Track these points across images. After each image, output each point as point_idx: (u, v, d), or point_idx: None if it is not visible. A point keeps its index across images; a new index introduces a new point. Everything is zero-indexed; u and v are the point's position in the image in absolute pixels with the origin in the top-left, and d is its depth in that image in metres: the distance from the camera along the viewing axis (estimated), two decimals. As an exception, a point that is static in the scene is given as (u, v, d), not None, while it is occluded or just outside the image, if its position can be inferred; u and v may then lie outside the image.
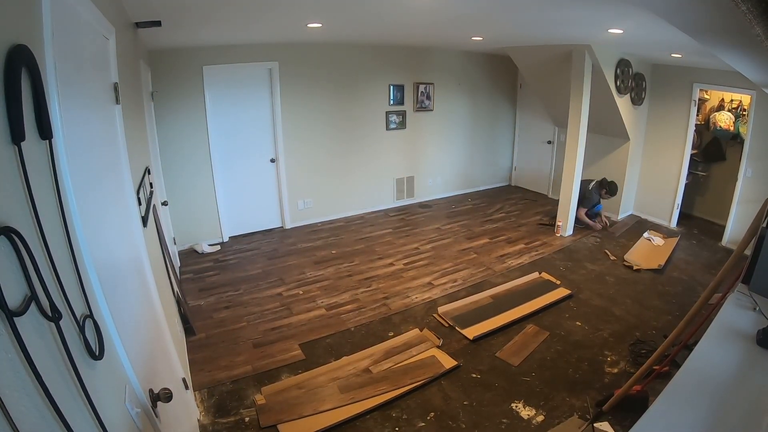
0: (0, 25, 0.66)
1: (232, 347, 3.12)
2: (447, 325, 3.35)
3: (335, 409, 2.49)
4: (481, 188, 7.29)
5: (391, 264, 4.49)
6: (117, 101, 1.69)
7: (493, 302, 3.67)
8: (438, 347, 3.07)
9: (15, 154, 0.67)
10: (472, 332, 3.21)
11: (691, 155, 5.36)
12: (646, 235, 5.14)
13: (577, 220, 5.35)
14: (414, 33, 4.38)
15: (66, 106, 0.97)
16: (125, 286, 1.45)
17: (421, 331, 3.27)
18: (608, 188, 5.28)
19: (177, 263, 4.30)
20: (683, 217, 5.65)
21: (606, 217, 5.55)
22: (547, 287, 3.93)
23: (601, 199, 5.42)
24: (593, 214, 5.44)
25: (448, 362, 2.90)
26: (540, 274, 4.21)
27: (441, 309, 3.54)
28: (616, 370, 2.87)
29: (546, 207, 6.30)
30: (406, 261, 4.56)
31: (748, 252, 1.88)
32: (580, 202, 5.29)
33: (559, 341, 3.18)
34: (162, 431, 1.31)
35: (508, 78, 6.99)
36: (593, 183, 5.35)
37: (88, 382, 0.78)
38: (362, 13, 3.10)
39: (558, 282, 4.04)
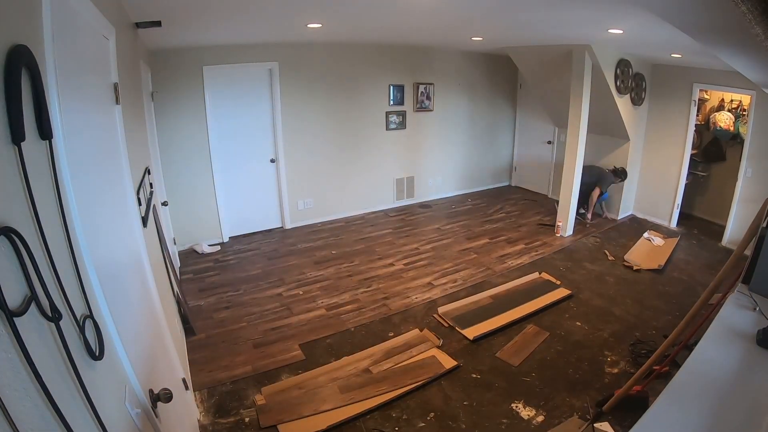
0: (0, 25, 0.66)
1: (232, 347, 3.12)
2: (447, 325, 3.35)
3: (336, 409, 2.49)
4: (481, 188, 7.29)
5: (391, 264, 4.49)
6: (117, 101, 1.69)
7: (494, 302, 3.66)
8: (438, 347, 3.07)
9: (15, 154, 0.67)
10: (472, 332, 3.21)
11: (691, 155, 5.36)
12: (646, 235, 5.14)
13: (587, 203, 5.62)
14: (414, 33, 4.38)
15: (66, 106, 0.97)
16: (125, 286, 1.45)
17: (421, 331, 3.27)
18: (621, 174, 5.44)
19: (177, 263, 4.30)
20: (683, 217, 5.65)
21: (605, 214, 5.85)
22: (547, 287, 3.92)
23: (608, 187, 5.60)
24: (601, 201, 5.70)
25: (448, 362, 2.90)
26: (540, 274, 4.21)
27: (441, 309, 3.54)
28: (616, 370, 2.87)
29: (546, 207, 6.30)
30: (406, 261, 4.56)
31: (748, 252, 1.88)
32: (597, 182, 5.44)
33: (559, 341, 3.18)
34: (162, 431, 1.31)
35: (508, 78, 6.99)
36: (608, 169, 5.53)
37: (88, 382, 0.78)
38: (362, 14, 3.10)
39: (558, 282, 4.03)
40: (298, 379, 2.77)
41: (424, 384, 2.72)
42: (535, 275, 4.19)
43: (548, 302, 3.65)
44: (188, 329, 3.26)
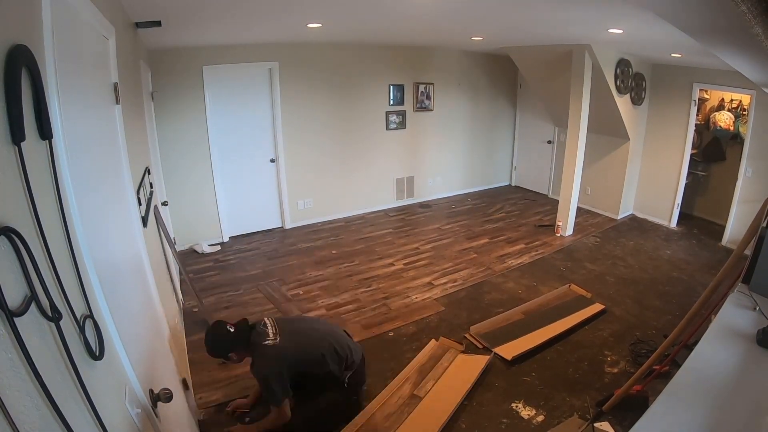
0: (0, 25, 0.66)
1: (232, 347, 3.12)
2: (481, 346, 3.09)
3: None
4: (481, 188, 7.29)
5: (392, 264, 4.49)
6: (117, 101, 1.69)
7: (525, 318, 3.44)
8: (462, 351, 3.01)
9: (15, 154, 0.66)
10: (509, 352, 2.97)
11: (691, 155, 5.36)
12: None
13: None
14: (414, 33, 4.38)
15: (66, 106, 0.97)
16: (125, 286, 1.45)
17: (437, 340, 3.13)
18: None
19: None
20: (683, 217, 5.65)
21: None
22: (579, 301, 3.69)
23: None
24: None
25: (480, 360, 2.87)
26: (569, 286, 3.97)
27: (473, 328, 3.26)
28: (616, 370, 2.87)
29: (546, 207, 6.30)
30: (406, 261, 4.56)
31: (748, 252, 1.88)
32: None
33: (559, 341, 3.17)
34: (162, 431, 1.31)
35: (508, 78, 6.99)
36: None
37: (88, 382, 0.78)
38: (362, 14, 3.10)
39: (589, 295, 3.80)
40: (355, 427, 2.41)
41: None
42: (564, 288, 3.96)
43: (583, 318, 3.42)
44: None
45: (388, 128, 5.96)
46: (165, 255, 3.08)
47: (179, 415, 1.85)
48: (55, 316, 0.69)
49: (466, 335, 3.23)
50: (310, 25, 3.53)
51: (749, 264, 1.82)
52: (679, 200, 5.44)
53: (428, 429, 2.36)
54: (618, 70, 4.89)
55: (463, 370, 2.83)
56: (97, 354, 0.88)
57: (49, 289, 0.69)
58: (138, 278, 1.70)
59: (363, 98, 5.64)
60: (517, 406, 2.56)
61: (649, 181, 5.75)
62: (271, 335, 2.19)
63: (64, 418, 0.64)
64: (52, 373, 0.67)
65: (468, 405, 2.57)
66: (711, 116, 5.45)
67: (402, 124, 6.06)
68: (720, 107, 5.43)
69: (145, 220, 2.09)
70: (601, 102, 5.01)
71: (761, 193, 4.24)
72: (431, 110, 6.28)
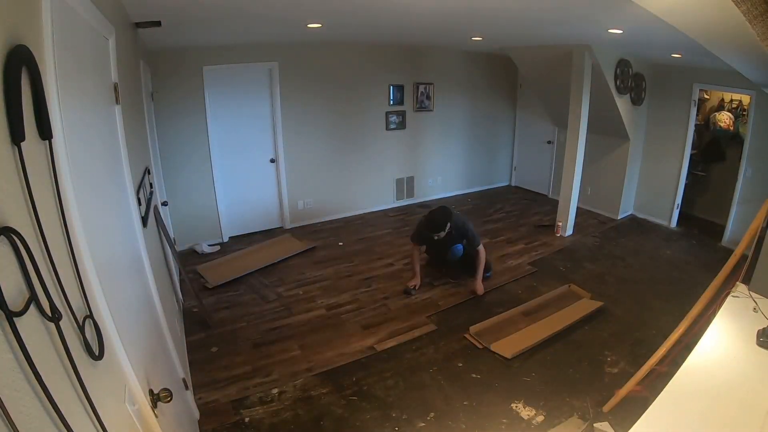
0: (0, 25, 0.66)
1: (231, 347, 3.12)
2: (481, 346, 3.09)
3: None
4: (481, 188, 7.29)
5: (391, 264, 4.49)
6: (117, 101, 1.69)
7: (526, 318, 3.47)
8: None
9: (15, 155, 0.66)
10: (508, 350, 3.01)
11: (691, 155, 5.36)
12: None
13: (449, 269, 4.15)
14: (414, 33, 4.38)
15: (66, 106, 0.97)
16: (125, 286, 1.45)
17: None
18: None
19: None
20: (683, 217, 5.64)
21: None
22: (577, 300, 3.73)
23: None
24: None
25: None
26: (569, 287, 3.98)
27: (472, 329, 3.26)
28: (616, 370, 2.87)
29: (546, 207, 6.30)
30: (406, 261, 4.55)
31: (748, 252, 1.88)
32: (466, 235, 4.00)
33: (559, 341, 3.18)
34: (162, 431, 1.31)
35: (508, 78, 6.99)
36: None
37: (88, 382, 0.78)
38: (362, 14, 3.10)
39: (589, 295, 3.81)
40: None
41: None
42: (564, 288, 3.97)
43: (581, 316, 3.44)
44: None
45: (388, 128, 5.96)
46: (165, 255, 3.08)
47: (179, 415, 1.85)
48: (55, 317, 0.69)
49: (466, 335, 3.23)
50: (310, 25, 3.53)
51: (749, 264, 1.82)
52: (679, 200, 5.44)
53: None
54: (618, 71, 4.89)
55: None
56: (97, 354, 0.88)
57: (49, 290, 0.69)
58: (138, 278, 1.70)
59: (363, 98, 5.64)
60: (517, 406, 2.56)
61: (649, 181, 5.75)
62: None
63: (64, 418, 0.64)
64: (52, 373, 0.67)
65: (468, 405, 2.57)
66: (711, 116, 5.45)
67: (402, 125, 6.06)
68: (720, 107, 5.43)
69: (145, 220, 2.09)
70: (601, 102, 5.01)
71: (761, 193, 4.24)
72: (431, 110, 6.28)
